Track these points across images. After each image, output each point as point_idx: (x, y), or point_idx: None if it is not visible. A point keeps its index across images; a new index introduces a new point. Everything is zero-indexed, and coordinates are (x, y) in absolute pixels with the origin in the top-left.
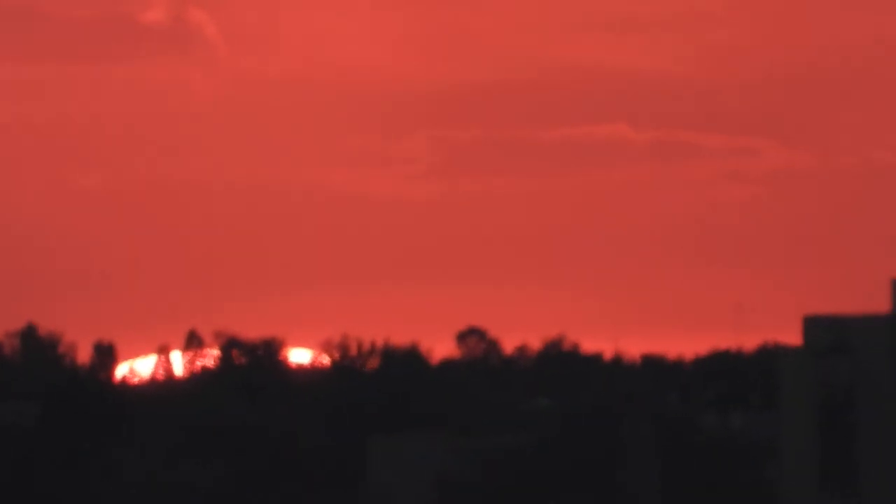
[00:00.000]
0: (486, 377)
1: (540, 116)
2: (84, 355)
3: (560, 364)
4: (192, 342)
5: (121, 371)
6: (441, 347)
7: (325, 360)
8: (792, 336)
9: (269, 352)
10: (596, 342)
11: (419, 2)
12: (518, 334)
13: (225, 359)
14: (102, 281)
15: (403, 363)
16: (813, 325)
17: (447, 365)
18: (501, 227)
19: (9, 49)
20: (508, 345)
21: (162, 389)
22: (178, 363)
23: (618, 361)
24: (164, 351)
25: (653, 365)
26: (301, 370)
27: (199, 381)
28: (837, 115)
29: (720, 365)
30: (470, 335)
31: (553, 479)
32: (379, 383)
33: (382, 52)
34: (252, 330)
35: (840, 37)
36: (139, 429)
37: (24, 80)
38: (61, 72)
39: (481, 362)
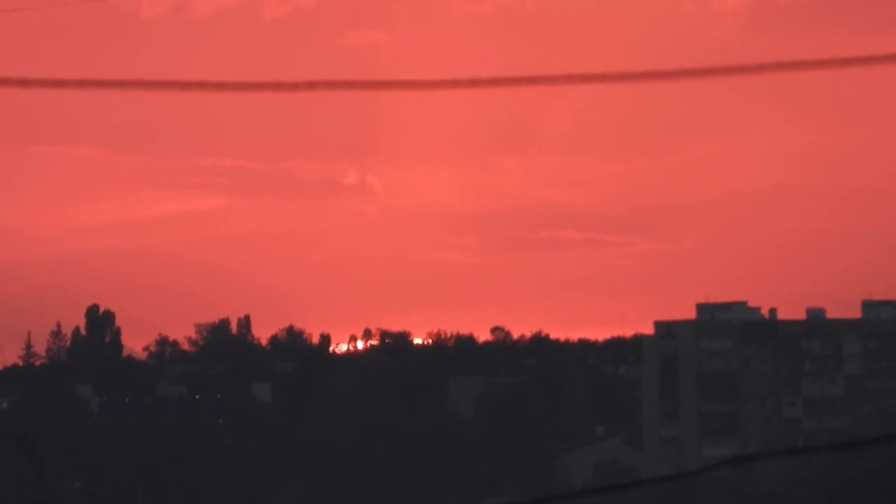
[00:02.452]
0: (504, 350)
1: (529, 227)
2: (315, 339)
3: (540, 343)
4: (367, 333)
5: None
6: (483, 335)
7: (429, 341)
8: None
9: (402, 337)
10: (557, 332)
11: (466, 172)
12: (520, 328)
13: (381, 341)
14: (323, 304)
15: (466, 342)
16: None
17: (486, 344)
18: (514, 278)
19: (280, 193)
20: (515, 333)
21: (352, 356)
22: (360, 342)
23: (567, 342)
24: (352, 339)
25: (583, 343)
26: (416, 346)
27: (370, 351)
28: None
29: (614, 343)
30: (497, 329)
31: (533, 399)
32: (454, 352)
33: (451, 196)
34: (395, 326)
35: None
36: (341, 376)
37: (286, 208)
38: (304, 205)
39: (502, 343)
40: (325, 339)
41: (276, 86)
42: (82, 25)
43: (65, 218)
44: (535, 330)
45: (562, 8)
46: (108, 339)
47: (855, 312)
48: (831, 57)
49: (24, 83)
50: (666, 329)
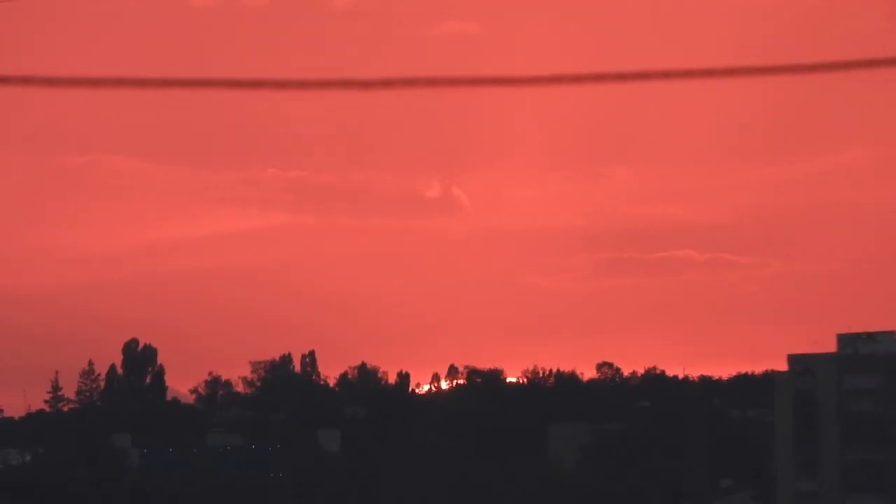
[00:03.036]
0: (612, 390)
1: (643, 247)
2: (392, 379)
3: (654, 381)
4: (452, 371)
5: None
6: (588, 372)
7: (524, 380)
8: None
9: (494, 375)
10: (674, 369)
11: (570, 183)
12: (631, 364)
13: (469, 380)
14: (402, 338)
15: (568, 382)
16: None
17: (592, 383)
18: (624, 305)
19: (353, 210)
20: (626, 370)
21: (434, 397)
22: (444, 382)
23: (686, 380)
24: (435, 379)
25: (704, 382)
26: (510, 385)
27: (455, 392)
28: None
29: (741, 381)
30: (604, 365)
31: (647, 447)
32: (554, 393)
33: (553, 211)
34: (485, 363)
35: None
36: (422, 421)
37: (361, 227)
38: (381, 224)
39: (610, 381)
40: (404, 379)
41: (346, 83)
42: (131, 15)
43: (99, 238)
44: (648, 366)
45: None
46: (149, 380)
47: None
48: None
49: (52, 82)
50: (802, 364)
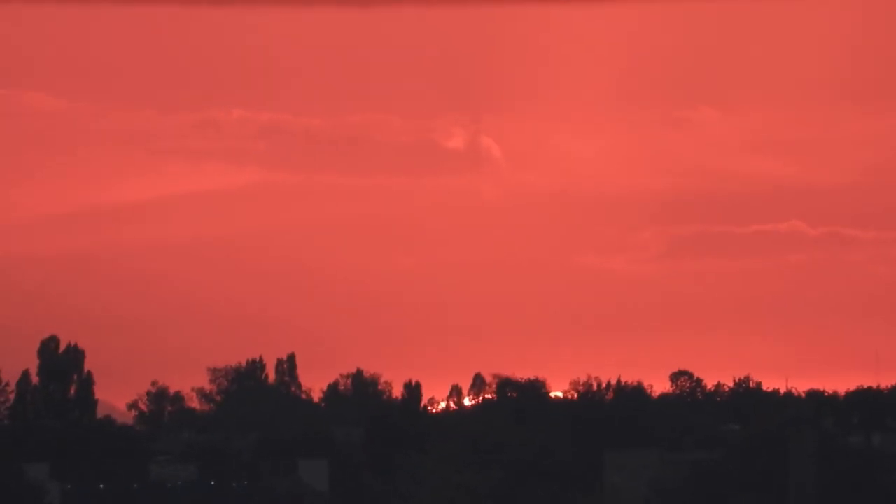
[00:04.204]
0: (691, 408)
1: (736, 217)
2: (397, 392)
3: (747, 397)
4: (477, 382)
5: (424, 403)
6: (659, 385)
7: (573, 394)
8: None
9: (534, 388)
10: (773, 381)
11: (639, 132)
12: (716, 374)
13: (500, 394)
14: (411, 337)
15: (631, 396)
16: None
17: (664, 398)
18: (708, 296)
19: (347, 164)
20: (709, 382)
21: (454, 416)
22: (467, 398)
23: (788, 395)
24: (455, 392)
25: (814, 398)
26: (555, 401)
27: (481, 409)
28: None
29: (864, 397)
30: (680, 375)
31: (736, 484)
32: (612, 411)
33: (616, 169)
34: (522, 372)
35: None
36: (436, 444)
37: (358, 187)
38: (385, 182)
39: (689, 396)
40: (413, 392)
41: None
42: None
43: (8, 202)
44: (739, 377)
45: None
46: (73, 392)
47: None
48: None
49: None
50: None
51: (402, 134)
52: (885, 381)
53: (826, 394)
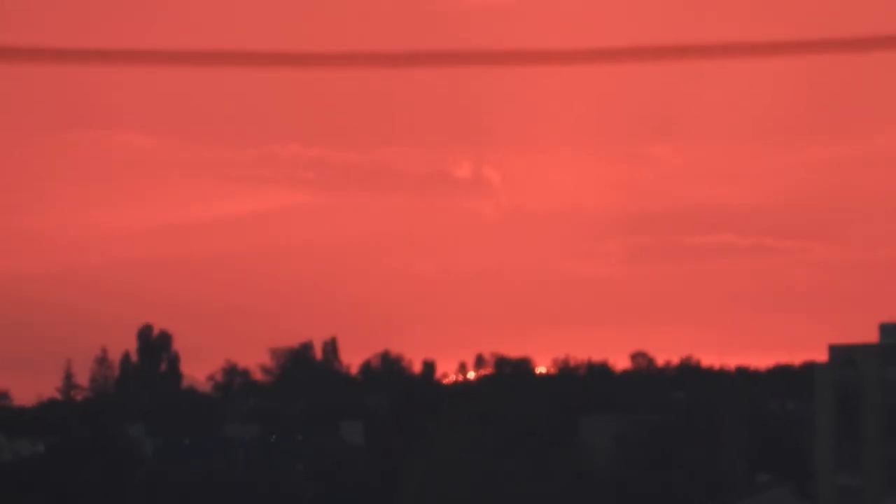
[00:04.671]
0: (646, 380)
1: (682, 231)
2: (417, 367)
3: (690, 372)
4: (479, 360)
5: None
6: (621, 362)
7: (554, 370)
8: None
9: (523, 365)
10: (711, 358)
11: (608, 164)
12: (666, 354)
13: (497, 369)
14: (427, 325)
15: (599, 372)
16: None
17: (625, 373)
18: (659, 292)
19: (376, 188)
20: (660, 360)
21: (461, 387)
22: (471, 372)
23: (722, 370)
24: (462, 368)
25: (742, 372)
26: (540, 375)
27: (482, 382)
28: None
29: (781, 372)
30: (638, 355)
31: (682, 440)
32: (584, 383)
33: (589, 193)
34: (514, 352)
35: None
36: (447, 409)
37: (385, 207)
38: (407, 203)
39: (644, 371)
40: (429, 368)
41: (372, 58)
42: None
43: (111, 219)
44: (684, 356)
45: None
46: (164, 368)
47: None
48: None
49: (60, 56)
50: (844, 355)
51: (421, 165)
52: (798, 359)
53: (751, 369)
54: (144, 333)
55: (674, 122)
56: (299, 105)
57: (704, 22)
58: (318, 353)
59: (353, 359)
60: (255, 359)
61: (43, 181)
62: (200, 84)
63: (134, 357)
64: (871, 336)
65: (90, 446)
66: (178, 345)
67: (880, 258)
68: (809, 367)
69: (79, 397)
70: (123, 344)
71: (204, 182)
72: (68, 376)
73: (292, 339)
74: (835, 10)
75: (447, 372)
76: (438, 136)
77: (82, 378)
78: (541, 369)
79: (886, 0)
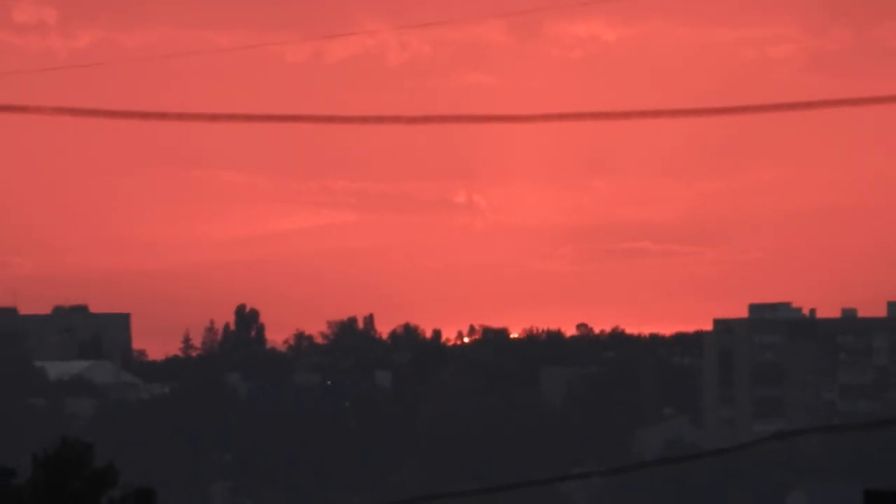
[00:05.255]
0: (589, 343)
1: (615, 240)
2: (428, 334)
3: (619, 336)
4: (471, 329)
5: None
6: (570, 330)
7: (525, 335)
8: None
9: (503, 333)
10: (634, 328)
11: (564, 192)
12: (602, 324)
13: (484, 336)
14: (437, 304)
15: (556, 337)
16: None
17: (573, 338)
18: (598, 284)
19: (400, 210)
20: (597, 328)
21: (458, 348)
22: (466, 338)
23: (640, 336)
24: (459, 335)
25: (654, 337)
26: (514, 340)
27: (473, 345)
28: None
29: (682, 338)
30: (581, 325)
31: (614, 387)
32: (546, 345)
33: (550, 213)
34: (496, 324)
35: None
36: (449, 365)
37: (406, 224)
38: (421, 220)
39: (587, 337)
40: (437, 334)
41: (397, 119)
42: (239, 68)
43: (214, 231)
44: (614, 326)
45: (642, 55)
46: (253, 334)
47: (882, 312)
48: (870, 96)
49: (181, 117)
50: (724, 326)
51: (431, 194)
52: (692, 328)
53: (660, 335)
54: (240, 310)
55: (607, 163)
56: (347, 151)
57: (628, 92)
58: (360, 324)
59: (384, 328)
60: (316, 328)
61: (168, 204)
62: (278, 135)
63: (232, 327)
64: (742, 313)
65: (202, 389)
66: (264, 318)
67: (749, 259)
68: (700, 334)
69: (193, 354)
70: (225, 317)
71: (280, 205)
72: (186, 340)
73: (342, 315)
74: (716, 85)
75: (449, 337)
76: (443, 174)
77: (196, 341)
78: (514, 335)
79: (750, 77)
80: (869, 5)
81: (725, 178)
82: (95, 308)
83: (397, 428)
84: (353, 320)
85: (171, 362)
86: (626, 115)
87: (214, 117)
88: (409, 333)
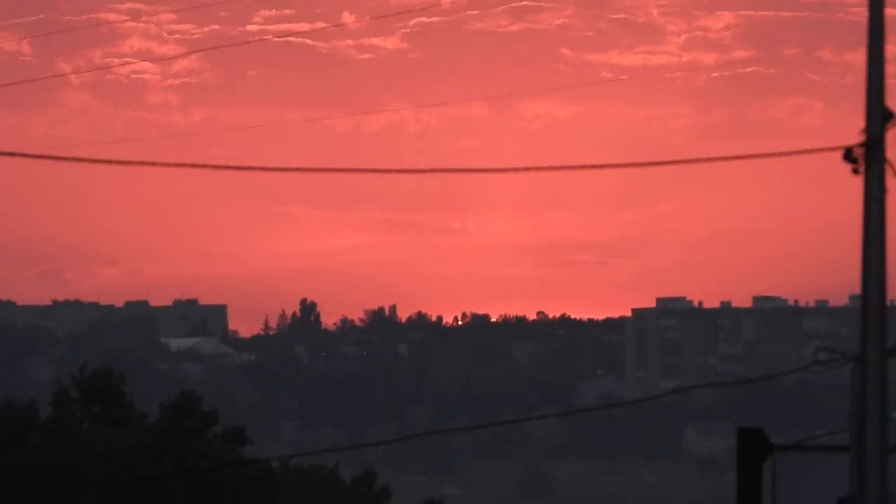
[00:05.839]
0: (544, 326)
1: (561, 254)
2: (434, 318)
3: (568, 321)
4: (463, 316)
5: None
6: (531, 316)
7: (500, 320)
8: None
9: (483, 318)
10: (577, 315)
11: (527, 220)
12: (554, 313)
13: (472, 321)
14: (441, 296)
15: (521, 321)
16: None
17: (533, 321)
18: (549, 285)
19: (413, 233)
20: (551, 315)
21: (455, 329)
22: (460, 321)
23: (579, 320)
24: (455, 319)
25: (591, 321)
26: (495, 323)
27: (465, 326)
28: None
29: (602, 323)
30: (540, 313)
31: (559, 356)
32: (514, 328)
33: (518, 236)
34: (479, 311)
35: None
36: (449, 340)
37: (417, 243)
38: (428, 240)
39: (544, 321)
40: (440, 319)
41: (413, 170)
42: (304, 135)
43: (287, 248)
44: (562, 313)
45: (583, 126)
46: (312, 319)
47: (748, 304)
48: (742, 154)
49: (253, 168)
50: (638, 313)
51: (435, 222)
52: (617, 315)
53: (595, 319)
54: (303, 302)
55: (558, 201)
56: (378, 192)
57: (573, 152)
58: (387, 312)
59: (403, 315)
60: (357, 314)
61: (254, 229)
62: (331, 181)
63: (298, 314)
64: (651, 304)
65: (277, 357)
66: (320, 308)
67: (656, 267)
68: (622, 319)
69: (271, 333)
70: (292, 307)
71: (330, 230)
72: (266, 323)
73: (374, 305)
74: (634, 146)
75: (448, 321)
76: (444, 208)
77: (272, 324)
78: (493, 319)
79: (658, 141)
80: (743, 90)
81: (640, 210)
82: (203, 301)
83: (412, 385)
84: (381, 309)
85: (256, 338)
86: (571, 167)
87: (287, 169)
88: (420, 318)
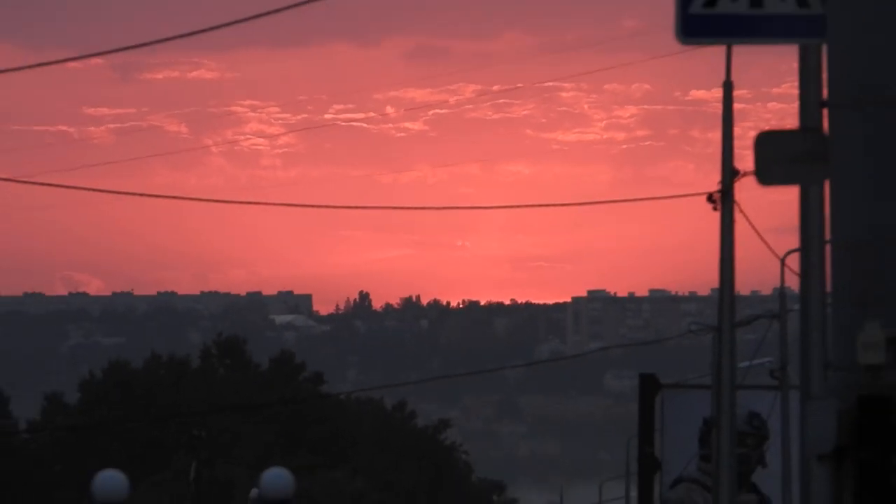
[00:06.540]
0: (509, 311)
1: (531, 261)
2: (443, 304)
3: (507, 307)
4: (464, 303)
5: None
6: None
7: (488, 304)
8: None
9: (475, 304)
10: (545, 300)
11: (508, 242)
12: (537, 300)
13: (465, 308)
14: (442, 290)
15: (504, 306)
16: None
17: (515, 310)
18: (530, 281)
19: (428, 250)
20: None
21: (457, 311)
22: (460, 307)
23: (539, 304)
24: (457, 305)
25: (548, 305)
26: (482, 306)
27: (463, 310)
28: None
29: (556, 307)
30: (516, 302)
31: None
32: (495, 313)
33: (503, 249)
34: (474, 299)
35: None
36: (451, 322)
37: (430, 258)
38: (436, 255)
39: (519, 305)
40: (448, 304)
41: (431, 207)
42: (358, 186)
43: (347, 261)
44: (527, 300)
45: (542, 179)
46: (367, 304)
47: (646, 293)
48: (638, 198)
49: (303, 205)
50: (576, 300)
51: (444, 241)
52: (563, 300)
53: (549, 303)
54: (361, 293)
55: (526, 228)
56: (408, 222)
57: (537, 196)
58: (413, 299)
59: (424, 300)
60: (395, 301)
61: (325, 247)
62: (377, 216)
63: (357, 300)
64: (584, 294)
65: (342, 329)
66: (372, 297)
67: (587, 269)
68: (566, 303)
69: (339, 312)
70: (354, 296)
71: (374, 247)
72: (336, 306)
73: (405, 295)
74: (575, 192)
75: (453, 306)
76: (451, 232)
77: (341, 306)
78: (482, 304)
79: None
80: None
81: (578, 234)
82: (297, 292)
83: (430, 346)
84: (410, 297)
85: (330, 316)
86: (534, 206)
87: (350, 207)
88: (436, 303)
